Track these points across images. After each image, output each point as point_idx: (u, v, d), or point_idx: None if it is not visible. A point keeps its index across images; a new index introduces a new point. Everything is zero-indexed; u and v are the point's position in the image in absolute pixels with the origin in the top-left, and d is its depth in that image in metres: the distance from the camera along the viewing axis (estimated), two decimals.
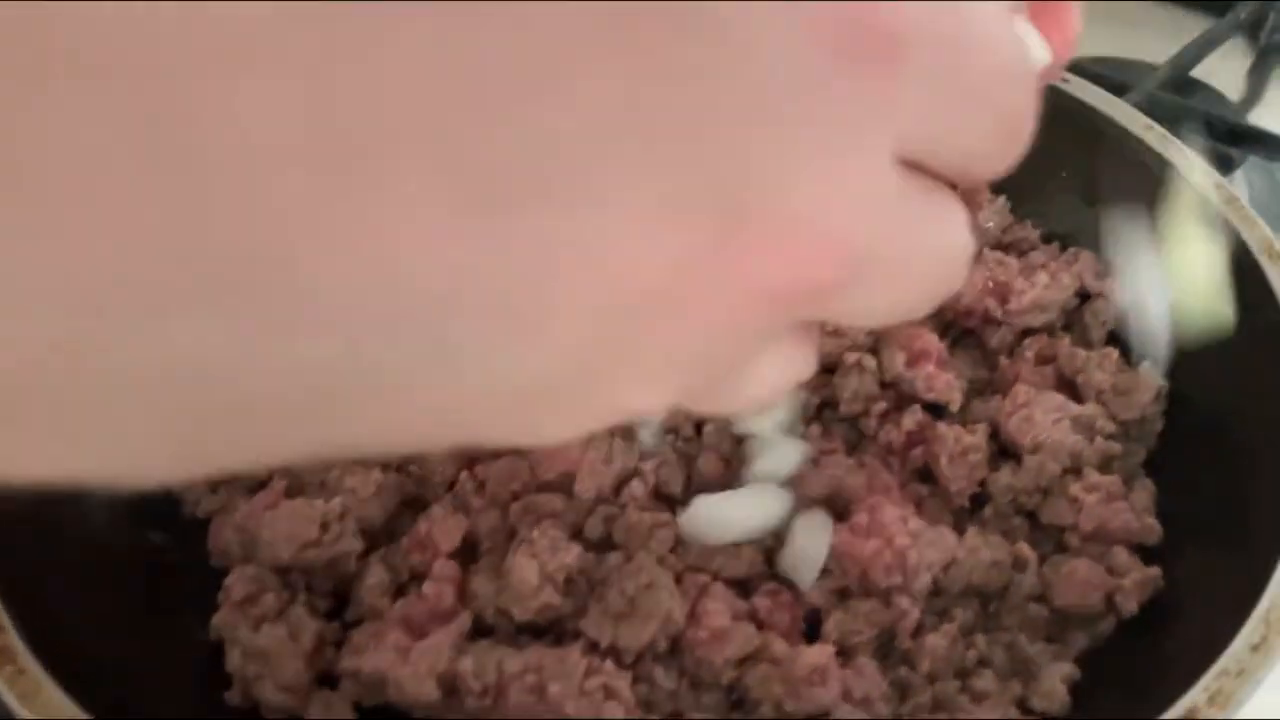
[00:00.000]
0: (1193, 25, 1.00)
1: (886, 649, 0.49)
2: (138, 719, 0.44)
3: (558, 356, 0.21)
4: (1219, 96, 0.92)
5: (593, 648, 0.48)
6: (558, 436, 0.24)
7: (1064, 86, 0.66)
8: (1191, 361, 0.57)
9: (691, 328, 0.22)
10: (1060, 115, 0.64)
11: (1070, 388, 0.58)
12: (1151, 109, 0.85)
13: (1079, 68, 0.89)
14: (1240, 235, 0.56)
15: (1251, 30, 1.00)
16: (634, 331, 0.21)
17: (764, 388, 0.26)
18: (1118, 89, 0.86)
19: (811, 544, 0.50)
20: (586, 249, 0.20)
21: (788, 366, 0.26)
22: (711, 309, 0.21)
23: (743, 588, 0.50)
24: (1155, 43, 0.99)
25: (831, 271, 0.22)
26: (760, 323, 0.22)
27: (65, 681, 0.41)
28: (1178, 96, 0.88)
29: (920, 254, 0.24)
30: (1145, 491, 0.53)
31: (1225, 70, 0.97)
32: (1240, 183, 0.87)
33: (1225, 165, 0.85)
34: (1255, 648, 0.41)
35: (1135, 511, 0.51)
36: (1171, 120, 0.85)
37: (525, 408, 0.22)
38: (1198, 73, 0.93)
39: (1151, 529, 0.51)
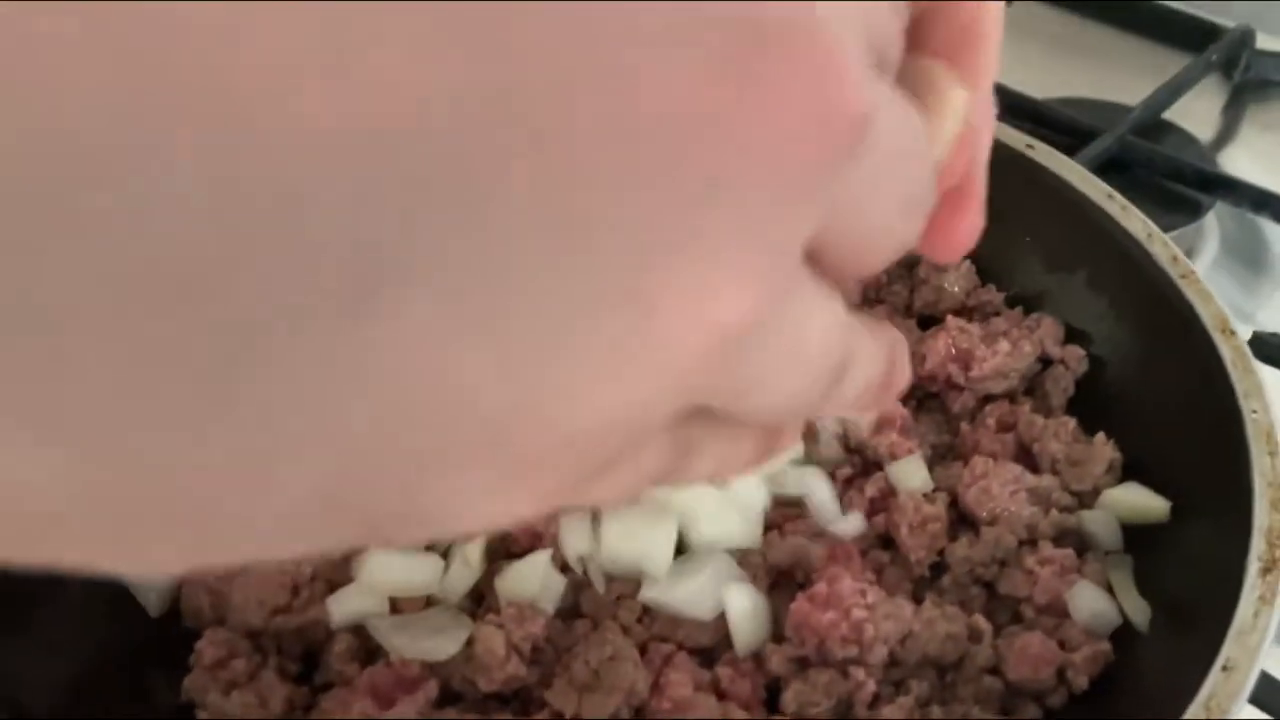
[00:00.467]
0: (1170, 61, 1.02)
1: (845, 718, 0.50)
2: None
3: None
4: (1190, 139, 0.94)
5: (558, 717, 0.49)
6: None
7: (1029, 154, 0.67)
8: (1144, 432, 0.58)
9: (599, 406, 0.19)
10: (1025, 182, 0.66)
11: (1028, 454, 0.60)
12: (1122, 153, 0.87)
13: (1053, 110, 0.91)
14: (1195, 309, 0.58)
15: (1226, 69, 1.02)
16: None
17: (710, 469, 0.24)
18: (1089, 134, 0.88)
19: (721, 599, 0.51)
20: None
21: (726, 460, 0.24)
22: (632, 386, 0.19)
23: (706, 657, 0.52)
24: (1133, 79, 1.00)
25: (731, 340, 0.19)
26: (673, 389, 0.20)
27: None
28: (1148, 142, 0.89)
29: (808, 342, 0.22)
30: (1099, 564, 0.54)
31: (1199, 108, 0.99)
32: (1212, 223, 0.89)
33: (1195, 209, 0.87)
34: None
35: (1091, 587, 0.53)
36: (1143, 165, 0.87)
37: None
38: (1173, 110, 0.94)
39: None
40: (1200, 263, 0.87)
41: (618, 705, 0.49)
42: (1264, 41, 1.01)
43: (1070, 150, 0.85)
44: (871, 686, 0.50)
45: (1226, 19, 1.04)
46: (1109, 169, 0.86)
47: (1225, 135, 1.00)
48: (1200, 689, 0.43)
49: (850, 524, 0.55)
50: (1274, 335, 0.71)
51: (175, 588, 0.55)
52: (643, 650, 0.51)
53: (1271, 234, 0.87)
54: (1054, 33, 1.11)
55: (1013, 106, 0.92)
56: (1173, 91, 0.92)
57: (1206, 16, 1.05)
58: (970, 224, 0.28)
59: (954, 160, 0.26)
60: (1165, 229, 0.83)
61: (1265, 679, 0.50)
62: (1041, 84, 0.99)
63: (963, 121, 0.25)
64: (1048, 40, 1.10)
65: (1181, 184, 0.85)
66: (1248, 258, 0.89)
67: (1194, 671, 0.44)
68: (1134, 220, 0.63)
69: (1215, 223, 0.88)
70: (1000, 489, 0.55)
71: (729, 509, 0.53)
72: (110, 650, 0.52)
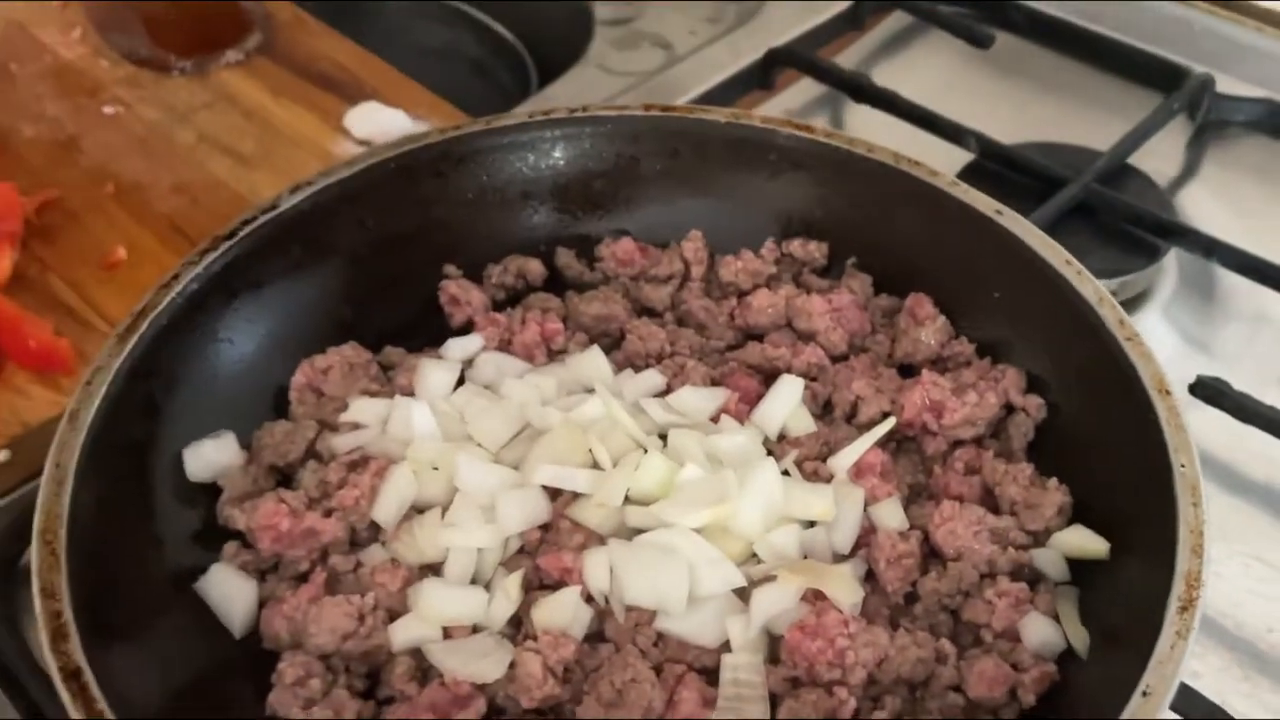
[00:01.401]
0: (1138, 100, 1.10)
1: None
2: None
3: None
4: (1150, 185, 1.02)
5: None
6: None
7: (999, 219, 0.75)
8: (1090, 477, 0.67)
9: None
10: (995, 245, 0.75)
11: (991, 495, 0.68)
12: (1088, 200, 0.95)
13: (1025, 157, 0.99)
14: (1137, 370, 0.66)
15: (1190, 110, 1.11)
16: None
17: None
18: (1058, 181, 0.96)
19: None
20: None
21: None
22: None
23: (712, 677, 0.61)
24: (1103, 116, 1.09)
25: None
26: None
27: None
28: (1112, 188, 0.97)
29: None
30: (1048, 596, 0.63)
31: (1163, 147, 1.08)
32: (1171, 262, 0.97)
33: (1154, 252, 0.95)
34: None
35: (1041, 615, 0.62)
36: (1107, 212, 0.95)
37: None
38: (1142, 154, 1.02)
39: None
40: (1159, 297, 0.96)
41: (638, 718, 0.58)
42: (1224, 85, 1.09)
43: (1041, 196, 0.94)
44: (853, 704, 0.59)
45: (1193, 61, 1.12)
46: (1075, 214, 0.94)
47: (1188, 172, 1.08)
48: (1124, 709, 0.52)
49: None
50: (1215, 379, 0.80)
51: (255, 614, 0.64)
52: (658, 670, 0.60)
53: (1225, 271, 0.95)
54: (1032, 72, 1.19)
55: (989, 153, 1.00)
56: (1137, 138, 1.00)
57: (1172, 58, 1.12)
58: None
59: None
60: (1128, 269, 0.93)
61: (1182, 688, 0.59)
62: (1018, 124, 1.07)
63: None
64: (1027, 80, 1.18)
65: (1141, 229, 0.93)
66: (1204, 292, 0.97)
67: (1121, 694, 0.54)
68: (1087, 285, 0.71)
69: (1174, 261, 0.97)
70: (965, 529, 0.64)
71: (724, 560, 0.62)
72: (203, 665, 0.61)
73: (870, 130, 0.99)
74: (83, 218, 1.02)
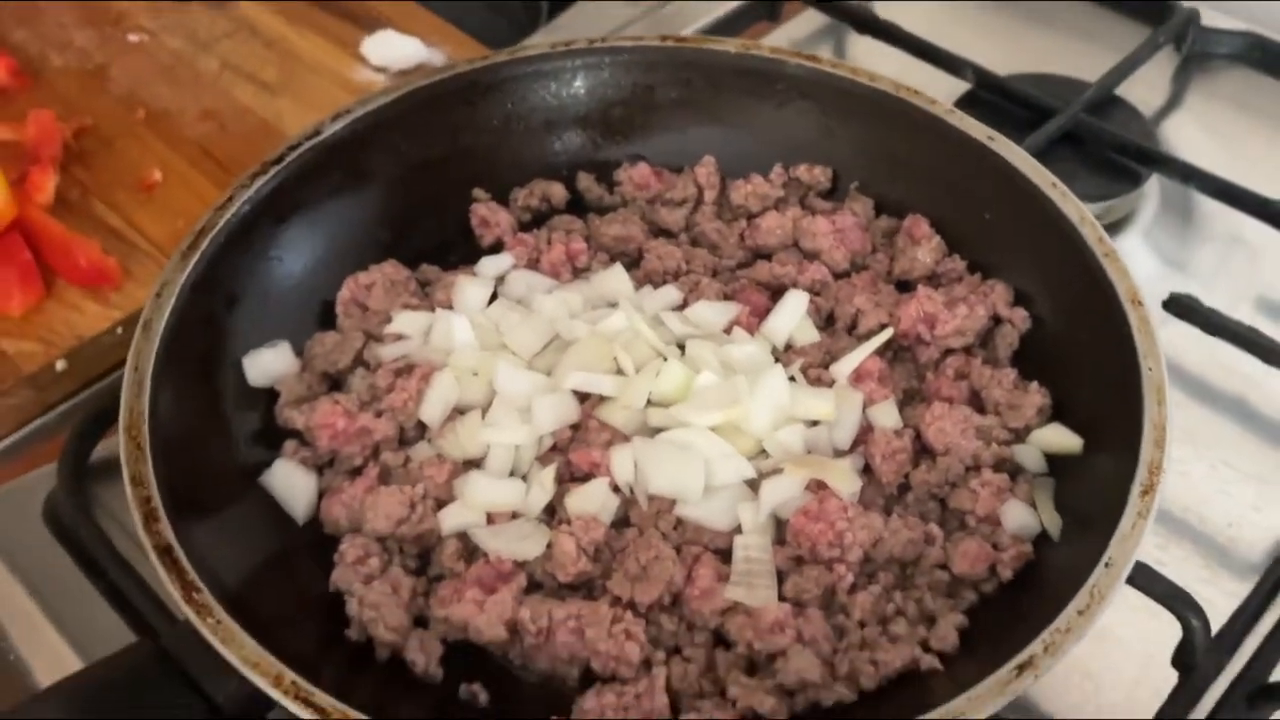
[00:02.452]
0: (1126, 31, 1.15)
1: (829, 602, 0.67)
2: (293, 652, 0.60)
3: None
4: (1135, 115, 1.08)
5: (617, 601, 0.65)
6: None
7: (991, 144, 0.81)
8: (1067, 381, 0.74)
9: None
10: (987, 169, 0.81)
11: (978, 398, 0.75)
12: (1076, 130, 1.01)
13: (1018, 87, 1.05)
14: (1113, 283, 0.73)
15: (1176, 43, 1.16)
16: None
17: None
18: (1048, 111, 1.02)
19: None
20: None
21: None
22: None
23: (725, 556, 0.68)
24: (1093, 48, 1.13)
25: None
26: None
27: (246, 628, 0.59)
28: (1099, 117, 1.03)
29: None
30: (1027, 486, 0.70)
31: (1150, 76, 1.13)
32: (1153, 187, 1.03)
33: (1136, 178, 1.01)
34: (1080, 613, 0.59)
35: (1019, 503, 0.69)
36: (1093, 140, 1.01)
37: None
38: (1127, 80, 1.08)
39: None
40: (1141, 220, 1.02)
41: (661, 591, 0.65)
42: (1208, 19, 1.14)
43: (1033, 125, 1.00)
44: (850, 579, 0.66)
45: None
46: (1064, 141, 1.00)
47: (1173, 102, 1.13)
48: (1088, 579, 0.60)
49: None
50: (1187, 296, 0.86)
51: (315, 503, 0.71)
52: (678, 550, 0.67)
53: (1202, 197, 1.01)
54: (1026, 6, 1.23)
55: (984, 83, 1.05)
56: (1125, 70, 1.05)
57: None
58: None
59: None
60: (1112, 194, 0.99)
61: (1146, 569, 0.67)
62: (1012, 55, 1.12)
63: None
64: (1022, 13, 1.22)
65: (1125, 157, 0.99)
66: (1183, 216, 1.03)
67: (1087, 567, 0.61)
68: (1070, 206, 0.77)
69: (1156, 187, 1.03)
70: (953, 427, 0.71)
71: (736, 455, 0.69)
72: (272, 547, 0.69)
73: (872, 61, 1.04)
74: (116, 143, 1.07)
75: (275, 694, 0.56)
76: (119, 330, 0.91)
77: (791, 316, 0.78)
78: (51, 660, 0.71)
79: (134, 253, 0.97)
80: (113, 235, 0.99)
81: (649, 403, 0.72)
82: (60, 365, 0.89)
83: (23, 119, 1.05)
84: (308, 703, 0.55)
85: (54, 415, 0.90)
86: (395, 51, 1.16)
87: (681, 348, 0.75)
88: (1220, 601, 0.75)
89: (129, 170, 1.04)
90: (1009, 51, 1.14)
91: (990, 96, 1.06)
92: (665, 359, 0.73)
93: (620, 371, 0.73)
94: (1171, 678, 0.69)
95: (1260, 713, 0.67)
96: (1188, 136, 1.10)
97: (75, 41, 1.18)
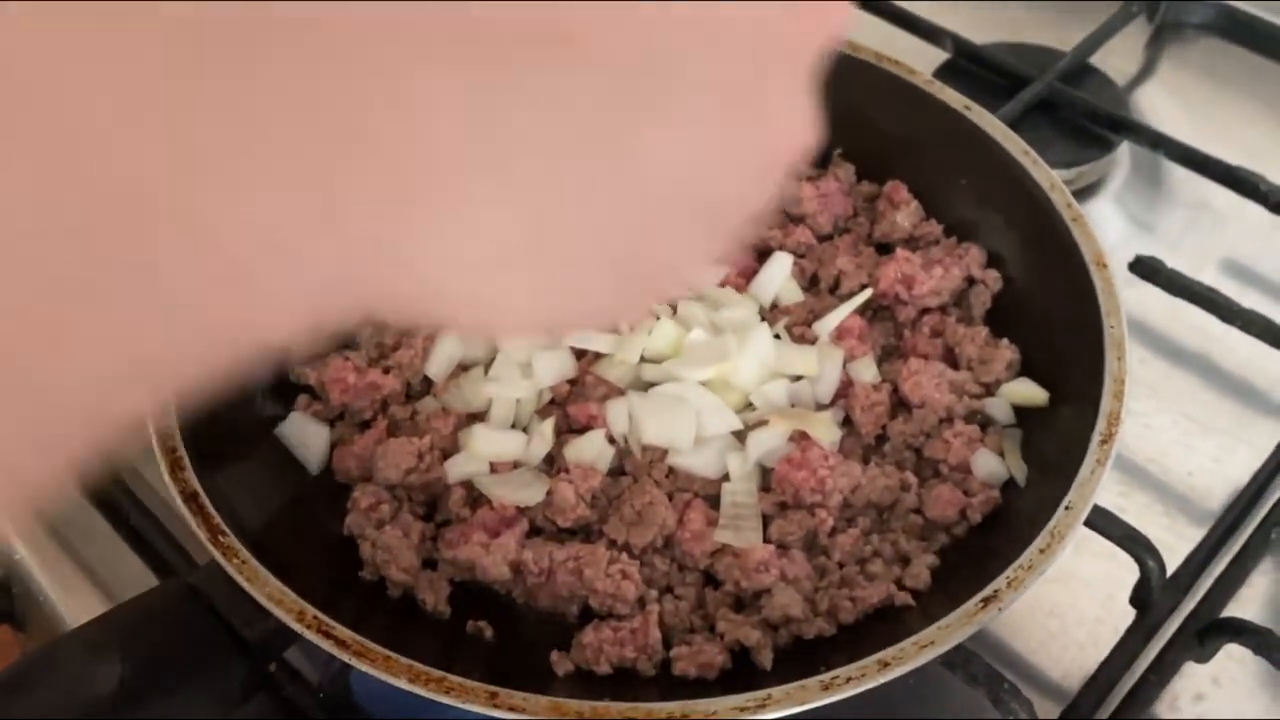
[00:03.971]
0: (1103, 4, 1.18)
1: (811, 544, 0.71)
2: (311, 591, 0.65)
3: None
4: (1108, 83, 1.12)
5: (613, 544, 0.70)
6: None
7: (968, 114, 0.85)
8: (1035, 338, 0.78)
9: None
10: (964, 138, 0.85)
11: (951, 354, 0.80)
12: (1050, 97, 1.05)
13: (994, 55, 1.08)
14: (1080, 247, 0.77)
15: (1149, 13, 1.20)
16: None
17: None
18: (1023, 80, 1.06)
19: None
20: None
21: None
22: None
23: (714, 502, 0.73)
24: (1070, 21, 1.17)
25: None
26: None
27: (270, 568, 0.63)
28: (1072, 86, 1.07)
29: None
30: (996, 436, 0.75)
31: (1123, 46, 1.17)
32: (1124, 154, 1.08)
33: (1107, 145, 1.05)
34: (1042, 551, 0.63)
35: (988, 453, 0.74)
36: (1066, 108, 1.05)
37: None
38: (1100, 52, 1.12)
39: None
40: (1112, 185, 1.06)
41: (655, 535, 0.70)
42: None
43: (1010, 93, 1.04)
44: (830, 523, 0.71)
45: None
46: (1039, 109, 1.04)
47: (1145, 71, 1.17)
48: (1049, 521, 0.65)
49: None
50: (1151, 258, 0.91)
51: (328, 454, 0.75)
52: (670, 496, 0.72)
53: (1170, 163, 1.05)
54: None
55: (963, 52, 1.09)
56: (1098, 39, 1.10)
57: None
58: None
59: None
60: (1083, 160, 1.03)
61: (1106, 514, 0.72)
62: (990, 24, 1.16)
63: None
64: None
65: (1097, 125, 1.03)
66: (1151, 182, 1.08)
67: (1048, 510, 0.66)
68: (1041, 172, 0.82)
69: (1127, 154, 1.07)
70: (929, 382, 0.76)
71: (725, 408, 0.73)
72: (289, 493, 0.73)
73: (849, 31, 1.08)
74: None
75: (299, 627, 0.60)
76: None
77: (777, 277, 0.83)
78: (78, 600, 0.76)
79: None
80: None
81: (642, 359, 0.76)
82: None
83: None
84: (329, 635, 0.60)
85: None
86: None
87: (673, 307, 0.80)
88: (1179, 546, 0.80)
89: None
90: (986, 21, 1.18)
91: (968, 65, 1.10)
92: (658, 317, 0.78)
93: (615, 330, 0.77)
94: (1128, 616, 0.74)
95: (1209, 647, 0.73)
96: (1159, 105, 1.14)
97: None
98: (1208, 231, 1.04)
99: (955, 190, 0.87)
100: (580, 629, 0.67)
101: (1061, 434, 0.72)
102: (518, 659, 0.67)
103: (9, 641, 0.83)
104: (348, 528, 0.71)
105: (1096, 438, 0.68)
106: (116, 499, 0.78)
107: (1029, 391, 0.76)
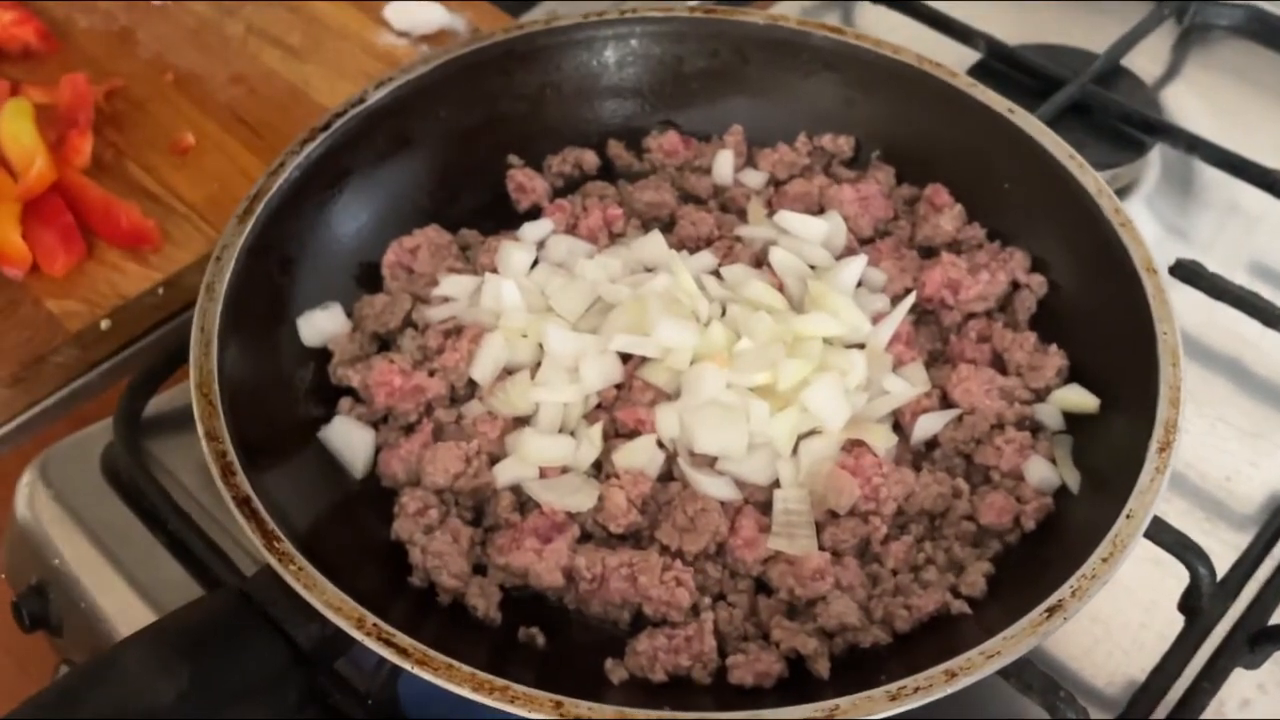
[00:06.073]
0: (1134, 6, 1.18)
1: (864, 552, 0.71)
2: (363, 597, 0.64)
3: None
4: (1139, 85, 1.11)
5: (665, 550, 0.69)
6: None
7: (1011, 117, 0.85)
8: (1085, 344, 0.78)
9: None
10: (1008, 141, 0.84)
11: (1000, 360, 0.79)
12: (1084, 99, 1.05)
13: (1028, 58, 1.08)
14: (1129, 251, 0.77)
15: (1178, 15, 1.19)
16: None
17: None
18: (1057, 81, 1.05)
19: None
20: None
21: None
22: None
23: (765, 509, 0.72)
24: (1101, 23, 1.16)
25: None
26: None
27: (326, 574, 0.62)
28: (1106, 86, 1.06)
29: None
30: (1047, 443, 0.75)
31: (1152, 47, 1.16)
32: (1155, 156, 1.07)
33: (1140, 147, 1.05)
34: (1105, 560, 0.63)
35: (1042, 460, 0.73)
36: (1100, 110, 1.05)
37: None
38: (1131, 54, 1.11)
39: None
40: (1144, 188, 1.06)
41: (707, 541, 0.69)
42: None
43: (1042, 95, 1.03)
44: (884, 529, 0.70)
45: None
46: (1072, 111, 1.03)
47: (1173, 73, 1.17)
48: (1111, 529, 0.64)
49: None
50: (1192, 261, 0.91)
51: (373, 458, 0.75)
52: (721, 503, 0.71)
53: (1202, 165, 1.05)
54: None
55: (995, 54, 1.09)
56: (1130, 41, 1.09)
57: None
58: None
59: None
60: (1117, 163, 1.03)
61: (1156, 521, 0.71)
62: (1022, 26, 1.15)
63: None
64: None
65: (1130, 126, 1.03)
66: (1183, 184, 1.07)
67: (1107, 519, 0.65)
68: (1088, 177, 0.81)
69: (1158, 155, 1.07)
70: (978, 388, 0.75)
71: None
72: (334, 498, 0.72)
73: (880, 31, 1.07)
74: (148, 106, 1.09)
75: (358, 635, 0.59)
76: (160, 291, 0.94)
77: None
78: (121, 607, 0.75)
79: (171, 215, 0.99)
80: (149, 198, 1.00)
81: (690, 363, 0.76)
82: (105, 324, 0.92)
83: (54, 82, 1.06)
84: (389, 643, 0.59)
85: (96, 374, 0.93)
86: (417, 16, 1.18)
87: (722, 309, 0.79)
88: (1219, 551, 0.80)
89: (161, 133, 1.06)
90: (1018, 23, 1.17)
91: (1000, 66, 1.09)
92: (708, 322, 0.77)
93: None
94: (1173, 622, 0.74)
95: (1260, 653, 0.72)
96: (1187, 107, 1.14)
97: (100, 4, 1.18)
98: (1238, 234, 1.04)
99: (998, 194, 0.86)
100: (631, 636, 0.66)
101: (1114, 441, 0.71)
102: (569, 666, 0.66)
103: (45, 648, 0.81)
104: (395, 533, 0.71)
105: (1154, 445, 0.67)
106: (156, 505, 0.77)
107: (1079, 398, 0.76)
